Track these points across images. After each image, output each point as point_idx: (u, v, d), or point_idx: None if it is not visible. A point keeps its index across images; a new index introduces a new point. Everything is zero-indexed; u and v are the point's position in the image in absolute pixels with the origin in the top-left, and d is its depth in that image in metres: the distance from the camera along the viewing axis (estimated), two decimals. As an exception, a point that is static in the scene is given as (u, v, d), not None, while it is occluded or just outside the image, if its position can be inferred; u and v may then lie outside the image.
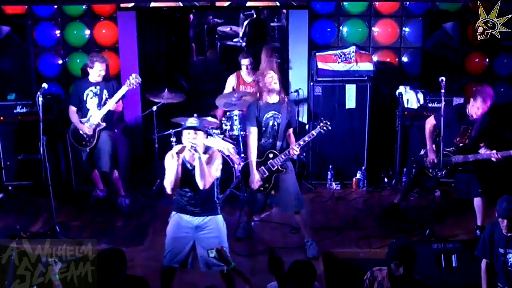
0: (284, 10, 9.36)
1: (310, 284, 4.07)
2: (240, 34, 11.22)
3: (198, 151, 4.67)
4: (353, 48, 7.27)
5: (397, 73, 7.86)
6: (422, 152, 6.23)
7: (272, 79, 5.70)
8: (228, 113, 7.08)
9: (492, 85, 7.72)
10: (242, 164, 6.10)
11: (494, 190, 5.79)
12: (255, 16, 10.93)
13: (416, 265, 4.30)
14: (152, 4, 7.58)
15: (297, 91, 7.57)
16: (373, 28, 7.86)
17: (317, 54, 7.29)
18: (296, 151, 5.66)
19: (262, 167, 5.73)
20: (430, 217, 6.13)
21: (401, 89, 7.18)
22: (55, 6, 7.81)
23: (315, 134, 5.69)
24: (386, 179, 7.40)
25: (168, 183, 4.75)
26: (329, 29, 7.85)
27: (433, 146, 6.08)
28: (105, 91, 6.53)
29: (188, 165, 4.79)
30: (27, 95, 7.18)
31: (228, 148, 6.88)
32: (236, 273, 4.38)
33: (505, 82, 7.72)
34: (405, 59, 7.91)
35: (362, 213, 6.70)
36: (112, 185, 6.85)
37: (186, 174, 4.77)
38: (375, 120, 7.35)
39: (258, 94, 5.78)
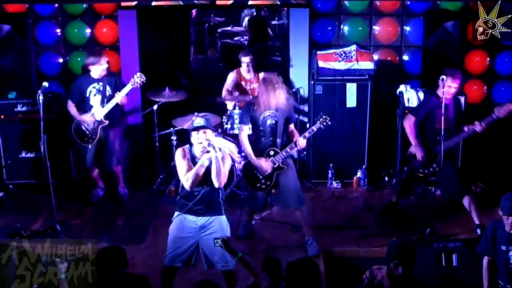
0: (285, 9, 9.35)
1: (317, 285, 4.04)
2: (242, 27, 11.23)
3: (216, 148, 4.71)
4: (353, 47, 7.25)
5: (398, 72, 7.87)
6: (408, 152, 6.25)
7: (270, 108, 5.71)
8: (228, 112, 7.09)
9: (492, 84, 7.80)
10: (243, 162, 6.10)
11: (494, 190, 5.79)
12: (255, 14, 10.92)
13: (416, 264, 4.28)
14: (154, 3, 7.57)
15: (297, 90, 7.57)
16: (374, 27, 7.85)
17: (318, 52, 7.28)
18: (303, 143, 5.67)
19: (272, 158, 5.73)
20: (430, 216, 6.13)
21: (402, 88, 7.17)
22: (56, 5, 7.80)
23: (315, 130, 5.71)
24: (386, 178, 7.40)
25: (187, 179, 4.75)
26: (329, 28, 7.84)
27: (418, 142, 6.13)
28: (108, 88, 6.54)
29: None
30: (27, 94, 7.17)
31: (229, 147, 6.87)
32: (243, 263, 4.36)
33: (506, 81, 7.72)
34: (406, 58, 7.91)
35: (363, 212, 6.70)
36: (115, 180, 6.89)
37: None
38: (376, 119, 7.34)
39: (254, 106, 5.77)
